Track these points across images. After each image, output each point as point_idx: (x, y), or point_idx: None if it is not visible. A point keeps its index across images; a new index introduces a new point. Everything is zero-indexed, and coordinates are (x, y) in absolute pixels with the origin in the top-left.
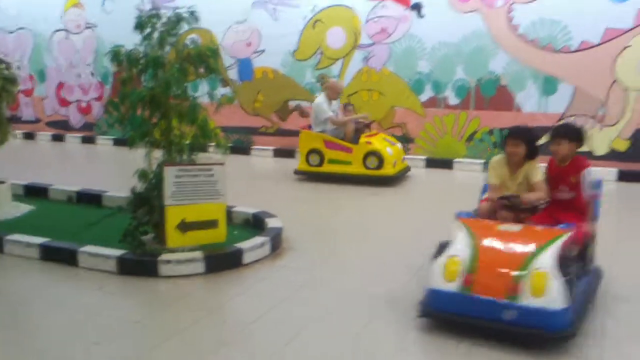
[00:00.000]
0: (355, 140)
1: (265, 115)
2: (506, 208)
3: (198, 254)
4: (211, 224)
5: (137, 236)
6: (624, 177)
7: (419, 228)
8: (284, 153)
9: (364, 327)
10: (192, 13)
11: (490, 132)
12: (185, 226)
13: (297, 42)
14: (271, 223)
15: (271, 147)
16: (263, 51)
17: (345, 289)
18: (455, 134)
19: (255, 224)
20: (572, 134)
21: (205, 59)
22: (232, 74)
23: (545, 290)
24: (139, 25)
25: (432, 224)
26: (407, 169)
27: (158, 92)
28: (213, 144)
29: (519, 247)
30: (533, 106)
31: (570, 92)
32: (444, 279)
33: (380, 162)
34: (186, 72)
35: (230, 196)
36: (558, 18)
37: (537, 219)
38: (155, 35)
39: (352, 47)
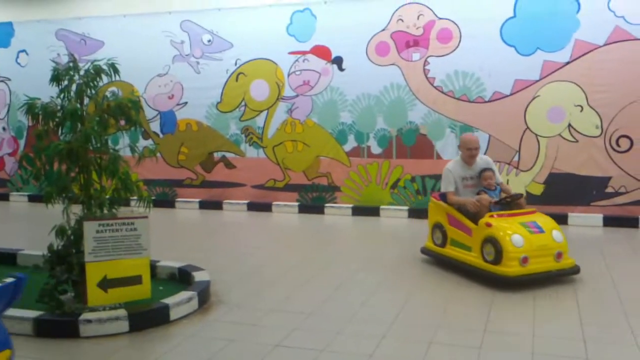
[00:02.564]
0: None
1: (189, 167)
2: None
3: (121, 312)
4: (135, 280)
5: (55, 296)
6: None
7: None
8: (209, 205)
9: None
10: (111, 65)
11: (413, 179)
12: (107, 283)
13: (221, 94)
14: (198, 277)
15: (197, 199)
16: (186, 103)
17: (276, 342)
18: (379, 182)
19: (181, 278)
20: None
21: (126, 111)
22: (155, 127)
23: None
24: (55, 78)
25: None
26: (569, 270)
27: (76, 145)
28: (135, 197)
29: None
30: (452, 154)
31: (486, 140)
32: None
33: (498, 254)
34: (106, 124)
35: (154, 250)
36: (471, 70)
37: None
38: (73, 87)
39: (276, 99)
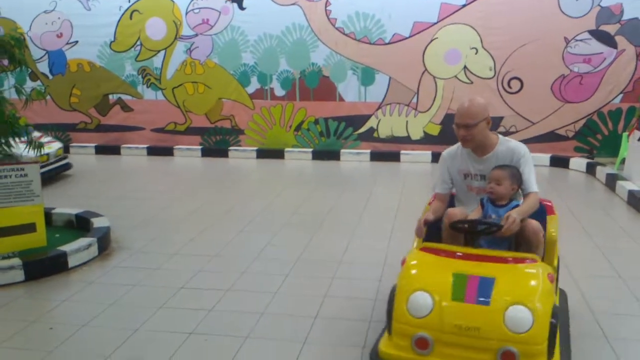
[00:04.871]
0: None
1: (83, 110)
2: None
3: (15, 261)
4: (28, 228)
5: None
6: (437, 159)
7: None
8: (106, 150)
9: (201, 321)
10: None
11: (316, 121)
12: None
13: (114, 33)
14: (97, 223)
15: (92, 144)
16: (77, 42)
17: (180, 285)
18: (283, 125)
19: (79, 225)
20: None
21: (8, 49)
22: (43, 67)
23: None
24: None
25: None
26: None
27: None
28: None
29: None
30: (354, 96)
31: (387, 82)
32: None
33: (388, 317)
34: None
35: (49, 197)
36: (371, 12)
37: None
38: None
39: (174, 39)
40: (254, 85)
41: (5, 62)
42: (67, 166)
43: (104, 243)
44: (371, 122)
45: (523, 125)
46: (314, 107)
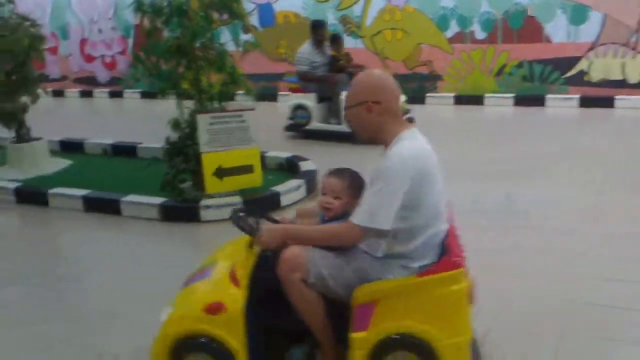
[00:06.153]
0: None
1: (289, 60)
2: None
3: (237, 198)
4: (247, 169)
5: (176, 184)
6: None
7: None
8: None
9: None
10: None
11: (520, 65)
12: (222, 172)
13: None
14: (305, 166)
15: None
16: None
17: None
18: (483, 69)
19: (289, 167)
20: None
21: (228, 4)
22: (253, 20)
23: None
24: None
25: None
26: None
27: (184, 42)
28: (241, 91)
29: None
30: (563, 36)
31: (600, 20)
32: None
33: None
34: (210, 19)
35: (261, 142)
36: None
37: None
38: None
39: None
40: (453, 29)
41: (225, 16)
42: (410, 120)
43: (312, 185)
44: (581, 65)
45: None
46: (518, 49)
